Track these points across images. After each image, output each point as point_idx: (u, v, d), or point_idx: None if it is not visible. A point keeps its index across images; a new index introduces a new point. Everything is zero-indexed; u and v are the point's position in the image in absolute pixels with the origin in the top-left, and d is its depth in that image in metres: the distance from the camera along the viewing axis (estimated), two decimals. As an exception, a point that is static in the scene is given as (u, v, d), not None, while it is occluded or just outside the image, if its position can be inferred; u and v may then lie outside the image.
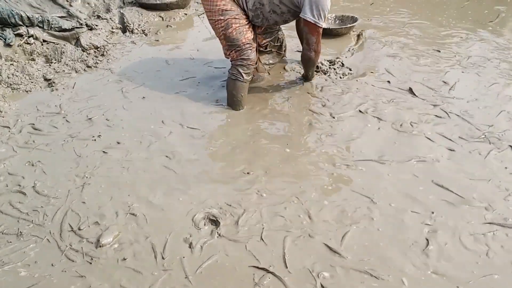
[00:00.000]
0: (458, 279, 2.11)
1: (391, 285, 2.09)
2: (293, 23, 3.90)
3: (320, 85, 3.78)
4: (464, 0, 5.59)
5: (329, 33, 4.57)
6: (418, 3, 5.58)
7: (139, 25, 5.06)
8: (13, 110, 3.55)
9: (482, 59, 4.12)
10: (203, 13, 5.27)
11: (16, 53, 4.18)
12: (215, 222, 2.45)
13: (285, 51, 4.20)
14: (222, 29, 3.33)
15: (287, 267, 2.18)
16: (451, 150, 2.95)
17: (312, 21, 3.23)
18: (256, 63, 3.56)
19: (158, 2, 5.35)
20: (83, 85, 3.92)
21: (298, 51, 4.17)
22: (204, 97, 3.68)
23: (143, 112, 3.51)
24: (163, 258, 2.25)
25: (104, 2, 5.39)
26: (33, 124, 3.37)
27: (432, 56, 4.22)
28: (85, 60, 4.28)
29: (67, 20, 4.53)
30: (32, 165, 2.95)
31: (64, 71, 4.11)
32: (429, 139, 3.06)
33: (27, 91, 3.81)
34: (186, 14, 5.45)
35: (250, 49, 3.37)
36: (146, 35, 4.94)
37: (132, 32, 4.98)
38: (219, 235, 2.37)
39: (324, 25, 3.34)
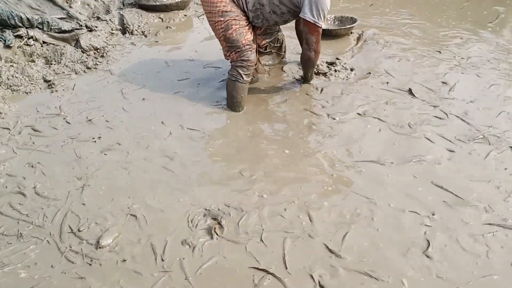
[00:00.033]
0: (458, 279, 2.11)
1: (391, 286, 2.09)
2: (293, 24, 3.91)
3: (320, 86, 3.78)
4: (463, 1, 5.59)
5: (328, 34, 4.57)
6: (417, 4, 5.59)
7: (139, 26, 5.06)
8: (13, 111, 3.55)
9: (481, 60, 4.12)
10: (202, 14, 5.27)
11: (16, 54, 4.18)
12: (215, 223, 2.45)
13: (285, 52, 4.21)
14: (222, 30, 3.33)
15: (287, 268, 2.18)
16: (450, 151, 2.95)
17: (311, 21, 3.23)
18: (255, 64, 3.56)
19: (157, 3, 5.36)
20: (83, 87, 3.92)
21: (298, 53, 4.18)
22: (204, 98, 3.69)
23: (143, 113, 3.51)
24: (162, 259, 2.26)
25: (104, 3, 5.39)
26: (33, 125, 3.37)
27: (431, 57, 4.22)
28: (85, 62, 4.28)
29: (66, 21, 4.54)
30: (32, 166, 2.95)
31: (64, 72, 4.12)
32: (429, 140, 3.06)
33: (27, 93, 3.81)
34: (185, 15, 5.45)
35: (250, 50, 3.38)
36: (145, 36, 4.94)
37: (131, 33, 4.98)
38: (219, 236, 2.38)
39: (323, 25, 3.34)
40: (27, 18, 4.27)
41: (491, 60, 4.11)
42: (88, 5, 5.26)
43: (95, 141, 3.18)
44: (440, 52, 4.30)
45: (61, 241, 2.37)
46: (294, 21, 3.87)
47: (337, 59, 4.15)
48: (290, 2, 3.28)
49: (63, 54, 4.30)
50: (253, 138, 3.18)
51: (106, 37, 4.76)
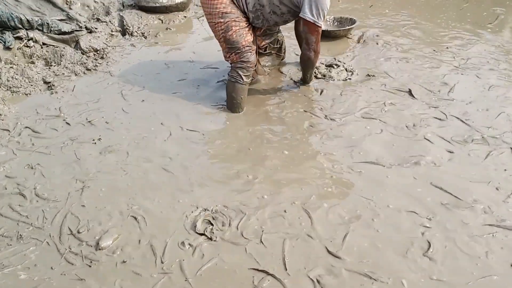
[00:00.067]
0: (457, 280, 2.11)
1: (391, 287, 2.09)
2: (293, 24, 3.92)
3: (319, 87, 3.78)
4: (463, 2, 5.60)
5: (327, 35, 4.57)
6: (417, 5, 5.59)
7: (139, 27, 5.07)
8: (13, 113, 3.55)
9: (481, 61, 4.12)
10: (202, 16, 5.28)
11: (15, 56, 4.18)
12: (215, 224, 2.45)
13: (284, 53, 4.21)
14: (222, 31, 3.33)
15: (286, 270, 2.19)
16: (450, 152, 2.95)
17: (311, 21, 3.23)
18: (255, 66, 3.56)
19: (157, 5, 5.36)
20: (83, 88, 3.92)
21: (297, 54, 4.18)
22: (203, 99, 3.69)
23: (142, 115, 3.51)
24: (162, 261, 2.26)
25: (104, 5, 5.40)
26: (33, 127, 3.37)
27: (431, 58, 4.22)
28: (85, 63, 4.28)
29: (66, 23, 4.54)
30: (32, 168, 2.95)
31: (63, 74, 4.12)
32: (429, 141, 3.06)
33: (26, 94, 3.82)
34: (185, 16, 5.46)
35: (250, 52, 3.38)
36: (145, 37, 4.95)
37: (131, 34, 4.99)
38: (219, 238, 2.38)
39: (323, 25, 3.34)
40: (27, 20, 4.28)
41: (490, 61, 4.11)
42: (88, 6, 5.26)
43: (95, 143, 3.18)
44: (439, 53, 4.30)
45: (60, 243, 2.37)
46: (293, 22, 3.88)
47: (337, 60, 4.15)
48: (290, 2, 3.28)
49: (63, 55, 4.30)
50: (253, 139, 3.19)
51: (106, 39, 4.76)
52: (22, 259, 2.29)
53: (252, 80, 3.67)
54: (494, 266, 2.17)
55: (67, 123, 3.42)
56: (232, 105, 3.51)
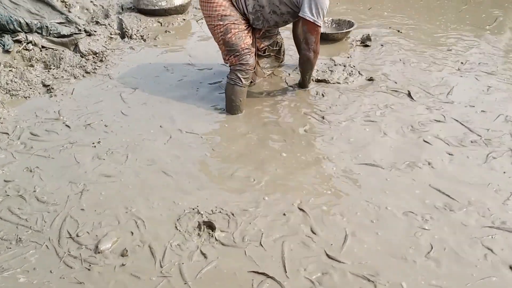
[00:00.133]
0: (456, 282, 2.11)
1: (390, 289, 2.10)
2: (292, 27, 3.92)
3: (319, 89, 3.79)
4: (462, 4, 5.60)
5: (325, 38, 4.57)
6: (415, 8, 5.60)
7: (138, 30, 5.07)
8: (12, 116, 3.55)
9: (480, 63, 4.12)
10: (201, 19, 5.28)
11: (14, 59, 4.19)
12: (214, 227, 2.45)
13: (283, 55, 4.21)
14: (221, 34, 3.34)
15: (286, 272, 2.18)
16: (449, 154, 2.95)
17: (311, 20, 3.23)
18: (254, 68, 3.56)
19: (156, 7, 5.36)
20: (82, 91, 3.92)
21: (296, 57, 4.19)
22: (202, 102, 3.69)
23: (142, 117, 3.51)
24: (161, 264, 2.25)
25: (103, 8, 5.41)
26: (32, 130, 3.37)
27: (430, 60, 4.23)
28: (84, 66, 4.28)
29: (65, 26, 4.54)
30: (31, 171, 2.95)
31: (62, 77, 4.12)
32: (428, 143, 3.07)
33: (25, 97, 3.82)
34: (184, 19, 5.46)
35: (249, 54, 3.38)
36: (144, 40, 4.95)
37: (130, 37, 4.99)
38: (218, 240, 2.38)
39: (322, 24, 3.33)
40: (26, 23, 4.28)
41: (489, 63, 4.12)
42: (87, 9, 5.27)
43: (94, 146, 3.18)
44: (438, 55, 4.31)
45: (59, 246, 2.37)
46: (292, 25, 3.89)
47: (336, 63, 4.16)
48: (290, 2, 3.28)
49: (62, 58, 4.31)
50: (252, 141, 3.19)
51: (105, 42, 4.76)
52: (22, 262, 2.29)
53: (251, 82, 3.67)
54: (494, 268, 2.17)
55: (66, 126, 3.42)
56: (231, 107, 3.51)
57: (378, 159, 2.93)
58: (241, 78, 3.41)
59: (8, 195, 2.75)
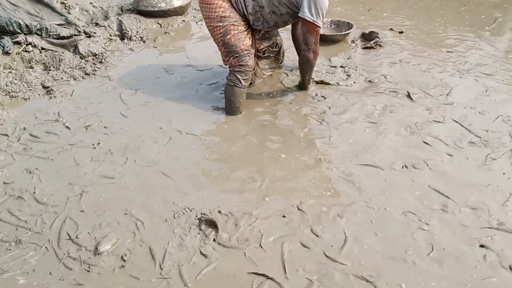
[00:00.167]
0: (456, 283, 2.11)
1: (390, 291, 2.10)
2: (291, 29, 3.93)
3: (318, 90, 3.79)
4: (461, 5, 5.61)
5: (324, 39, 4.56)
6: (415, 9, 5.61)
7: (137, 32, 5.07)
8: (12, 118, 3.55)
9: (479, 64, 4.13)
10: (201, 20, 5.29)
11: (14, 61, 4.19)
12: (213, 229, 2.45)
13: (283, 56, 4.22)
14: (220, 35, 3.34)
15: (286, 273, 2.19)
16: (448, 155, 2.96)
17: (310, 20, 3.23)
18: (254, 69, 3.57)
19: (156, 9, 5.36)
20: (82, 93, 3.92)
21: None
22: (202, 103, 3.69)
23: (141, 119, 3.51)
24: (161, 265, 2.25)
25: (102, 9, 5.41)
26: (32, 131, 3.37)
27: (429, 61, 4.23)
28: (84, 68, 4.28)
29: (65, 27, 4.54)
30: (30, 172, 2.95)
31: (62, 78, 4.12)
32: (427, 144, 3.07)
33: (25, 99, 3.82)
34: (184, 20, 5.46)
35: (248, 56, 3.39)
36: (144, 42, 4.95)
37: (130, 39, 4.99)
38: (218, 242, 2.38)
39: (321, 25, 3.33)
40: (26, 25, 4.28)
41: (488, 64, 4.12)
42: (86, 11, 5.27)
43: (94, 147, 3.18)
44: (437, 56, 4.31)
45: (59, 248, 2.37)
46: (290, 28, 3.90)
47: (335, 64, 4.16)
48: (289, 2, 3.28)
49: (62, 60, 4.31)
50: (252, 143, 3.19)
51: (105, 43, 4.76)
52: (22, 264, 2.29)
53: (250, 83, 3.67)
54: (493, 269, 2.17)
55: (66, 127, 3.42)
56: (230, 108, 3.51)
57: (378, 160, 2.93)
58: (241, 80, 3.41)
59: (7, 197, 2.75)
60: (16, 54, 4.23)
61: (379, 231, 2.41)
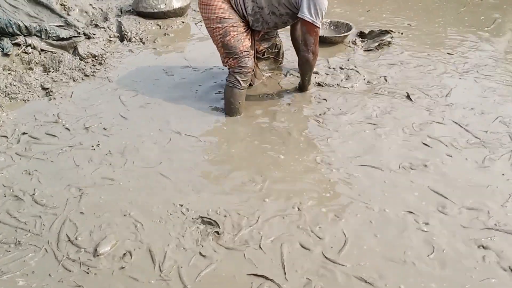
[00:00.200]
0: (456, 284, 2.11)
1: (389, 292, 2.10)
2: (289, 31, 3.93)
3: (317, 92, 3.79)
4: (460, 6, 5.61)
5: (323, 41, 4.56)
6: (414, 10, 5.61)
7: (137, 33, 5.07)
8: (11, 119, 3.55)
9: (478, 65, 4.13)
10: (200, 21, 5.29)
11: (13, 62, 4.19)
12: (213, 230, 2.45)
13: (282, 57, 4.22)
14: (220, 36, 3.34)
15: (285, 274, 2.19)
16: (447, 156, 2.96)
17: (310, 21, 3.23)
18: (253, 70, 3.57)
19: (155, 10, 5.36)
20: (81, 94, 3.92)
21: (295, 60, 4.20)
22: (201, 104, 3.69)
23: (141, 120, 3.51)
24: (161, 266, 2.25)
25: (102, 11, 5.41)
26: (31, 133, 3.37)
27: (429, 62, 4.23)
28: (83, 69, 4.28)
29: (64, 29, 4.54)
30: (30, 174, 2.95)
31: (61, 80, 4.12)
32: (426, 145, 3.07)
33: (25, 100, 3.81)
34: (183, 22, 5.47)
35: (248, 57, 3.39)
36: (143, 43, 4.95)
37: (129, 40, 4.99)
38: (217, 243, 2.38)
39: (320, 26, 3.33)
40: (25, 26, 4.28)
41: (488, 65, 4.13)
42: (86, 12, 5.27)
43: (93, 149, 3.18)
44: (437, 57, 4.32)
45: (58, 250, 2.37)
46: (289, 29, 3.90)
47: (335, 66, 4.16)
48: (288, 3, 3.28)
49: (61, 61, 4.31)
50: (251, 144, 3.19)
51: (104, 45, 4.76)
52: (21, 266, 2.29)
53: (250, 84, 3.67)
54: (493, 270, 2.18)
55: (66, 128, 3.41)
56: (230, 109, 3.51)
57: (377, 161, 2.94)
58: (240, 81, 3.41)
59: (7, 198, 2.75)
60: (16, 56, 4.23)
61: (379, 232, 2.41)
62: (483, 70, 4.04)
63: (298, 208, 2.58)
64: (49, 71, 4.23)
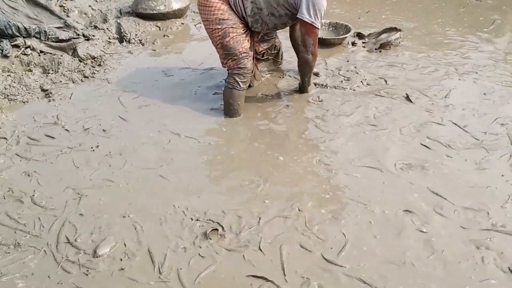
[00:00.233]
0: (455, 285, 2.12)
1: (389, 293, 2.10)
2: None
3: (317, 93, 3.79)
4: (459, 7, 5.62)
5: (321, 42, 4.55)
6: (413, 11, 5.61)
7: (136, 35, 5.07)
8: (10, 121, 3.55)
9: (478, 66, 4.14)
10: (199, 23, 5.29)
11: (13, 64, 4.19)
12: (213, 231, 2.45)
13: (282, 58, 4.22)
14: (219, 38, 3.34)
15: (285, 276, 2.19)
16: (447, 157, 2.96)
17: (309, 21, 3.23)
18: (252, 72, 3.57)
19: (155, 12, 5.36)
20: (80, 96, 3.92)
21: (295, 61, 4.20)
22: (201, 106, 3.69)
23: (140, 122, 3.51)
24: (160, 268, 2.25)
25: (101, 12, 5.41)
26: (30, 135, 3.36)
27: (428, 63, 4.24)
28: (82, 71, 4.28)
29: (64, 30, 4.54)
30: (29, 175, 2.94)
31: (61, 81, 4.12)
32: (425, 146, 3.07)
33: (24, 102, 3.81)
34: (182, 23, 5.46)
35: (247, 58, 3.39)
36: (143, 44, 4.95)
37: (129, 42, 4.99)
38: (216, 245, 2.38)
39: (320, 26, 3.33)
40: (25, 28, 4.28)
41: (487, 66, 4.13)
42: (85, 14, 5.27)
43: (93, 150, 3.17)
44: (436, 58, 4.32)
45: (57, 251, 2.37)
46: (288, 30, 3.90)
47: (334, 67, 4.16)
48: (287, 4, 3.28)
49: (61, 63, 4.30)
50: (250, 145, 3.19)
51: (104, 46, 4.76)
52: (20, 268, 2.29)
53: (249, 86, 3.67)
54: (492, 271, 2.18)
55: (65, 130, 3.41)
56: (229, 111, 3.52)
57: (376, 162, 2.94)
58: (239, 82, 3.41)
59: (6, 200, 2.74)
60: (15, 57, 4.23)
61: (378, 233, 2.41)
62: (482, 71, 4.04)
63: (298, 209, 2.58)
64: (49, 73, 4.23)
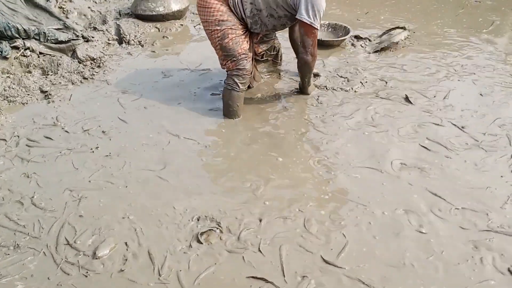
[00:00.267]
0: (455, 285, 2.12)
1: (388, 294, 2.10)
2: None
3: (316, 94, 3.79)
4: (459, 8, 5.62)
5: (320, 44, 4.54)
6: (412, 12, 5.61)
7: (136, 36, 5.07)
8: (10, 122, 3.55)
9: (477, 67, 4.14)
10: (199, 24, 5.29)
11: (12, 65, 4.19)
12: (212, 233, 2.45)
13: (281, 60, 4.22)
14: (218, 39, 3.34)
15: (284, 277, 2.18)
16: (446, 157, 2.96)
17: (308, 22, 3.23)
18: (251, 73, 3.57)
19: (154, 13, 5.36)
20: (80, 97, 3.92)
21: (295, 61, 4.20)
22: (200, 107, 3.69)
23: (139, 123, 3.51)
24: (160, 270, 2.25)
25: (101, 13, 5.41)
26: (30, 136, 3.36)
27: (427, 64, 4.24)
28: (82, 72, 4.28)
29: (63, 32, 4.54)
30: (28, 177, 2.94)
31: (60, 83, 4.11)
32: (424, 147, 3.07)
33: (23, 104, 3.81)
34: (182, 25, 5.47)
35: (246, 59, 3.39)
36: (142, 46, 4.95)
37: (128, 43, 4.99)
38: (216, 246, 2.38)
39: (319, 27, 3.33)
40: (24, 29, 4.28)
41: (486, 67, 4.13)
42: (84, 15, 5.27)
43: (92, 151, 3.17)
44: (435, 59, 4.32)
45: (57, 253, 2.37)
46: (288, 31, 3.90)
47: (334, 68, 4.17)
48: (286, 5, 3.28)
49: (60, 64, 4.30)
50: (249, 146, 3.19)
51: (103, 47, 4.76)
52: (20, 269, 2.28)
53: (248, 87, 3.67)
54: (492, 271, 2.18)
55: (64, 131, 3.41)
56: (228, 112, 3.52)
57: (376, 164, 2.94)
58: (238, 83, 3.41)
59: (6, 201, 2.74)
60: (14, 59, 4.22)
61: (378, 234, 2.41)
62: (482, 72, 4.04)
63: (298, 210, 2.58)
64: (48, 74, 4.23)
